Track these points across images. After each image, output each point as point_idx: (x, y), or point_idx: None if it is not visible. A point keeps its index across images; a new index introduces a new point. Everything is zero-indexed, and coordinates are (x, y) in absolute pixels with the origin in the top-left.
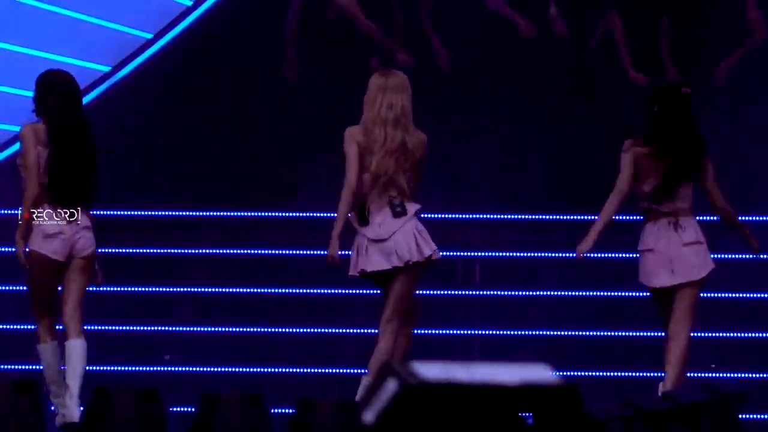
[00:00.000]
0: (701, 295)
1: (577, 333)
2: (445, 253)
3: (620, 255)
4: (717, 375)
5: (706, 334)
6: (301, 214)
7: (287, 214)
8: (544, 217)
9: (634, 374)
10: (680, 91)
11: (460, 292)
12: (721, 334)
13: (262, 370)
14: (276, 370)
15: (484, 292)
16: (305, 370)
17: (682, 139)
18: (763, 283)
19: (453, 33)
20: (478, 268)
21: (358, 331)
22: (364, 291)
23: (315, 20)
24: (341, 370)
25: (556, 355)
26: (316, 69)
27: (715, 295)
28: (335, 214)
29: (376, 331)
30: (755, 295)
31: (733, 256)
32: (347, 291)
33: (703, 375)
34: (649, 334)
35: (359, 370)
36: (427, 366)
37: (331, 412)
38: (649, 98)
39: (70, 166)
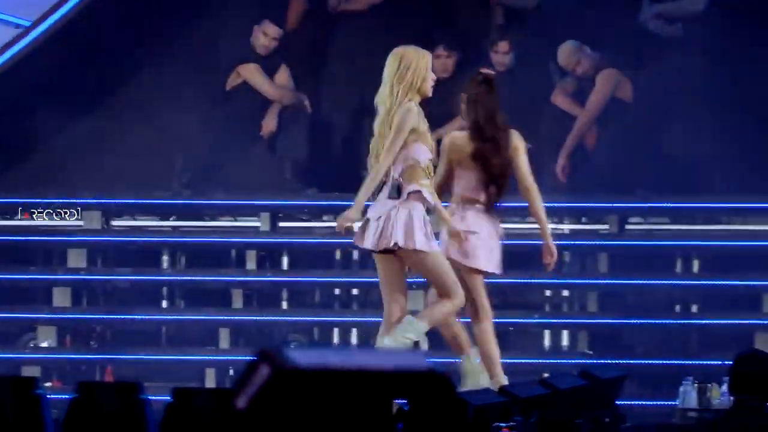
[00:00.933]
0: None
1: None
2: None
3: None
4: (594, 361)
5: (583, 321)
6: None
7: (165, 202)
8: None
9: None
10: (480, 74)
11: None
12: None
13: (141, 357)
14: (153, 357)
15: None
16: (183, 357)
17: (488, 123)
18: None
19: None
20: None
21: (235, 318)
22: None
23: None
24: (219, 357)
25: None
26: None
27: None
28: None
29: (254, 318)
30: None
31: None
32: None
33: (579, 362)
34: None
35: (235, 357)
36: (300, 351)
37: (207, 399)
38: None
39: None
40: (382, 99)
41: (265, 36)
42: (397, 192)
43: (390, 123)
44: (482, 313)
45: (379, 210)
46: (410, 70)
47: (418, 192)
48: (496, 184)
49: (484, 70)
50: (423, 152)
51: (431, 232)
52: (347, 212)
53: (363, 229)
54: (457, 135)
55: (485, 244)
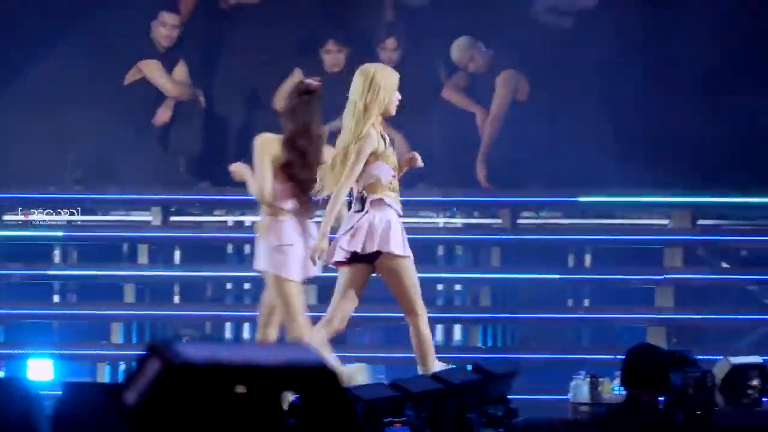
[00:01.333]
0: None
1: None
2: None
3: None
4: (486, 355)
5: (477, 315)
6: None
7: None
8: None
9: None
10: (303, 84)
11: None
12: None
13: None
14: (45, 352)
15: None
16: (74, 352)
17: (301, 136)
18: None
19: None
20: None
21: (127, 312)
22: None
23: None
24: (111, 352)
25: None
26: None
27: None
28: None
29: (147, 312)
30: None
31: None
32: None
33: (472, 356)
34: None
35: (127, 352)
36: (191, 346)
37: (98, 394)
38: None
39: None
40: (348, 118)
41: (164, 26)
42: (361, 204)
43: (355, 142)
44: (294, 316)
45: (348, 224)
46: (376, 88)
47: (380, 200)
48: (305, 195)
49: (307, 80)
50: (384, 170)
51: (405, 238)
52: (316, 244)
53: (335, 245)
54: (269, 137)
55: (299, 255)
